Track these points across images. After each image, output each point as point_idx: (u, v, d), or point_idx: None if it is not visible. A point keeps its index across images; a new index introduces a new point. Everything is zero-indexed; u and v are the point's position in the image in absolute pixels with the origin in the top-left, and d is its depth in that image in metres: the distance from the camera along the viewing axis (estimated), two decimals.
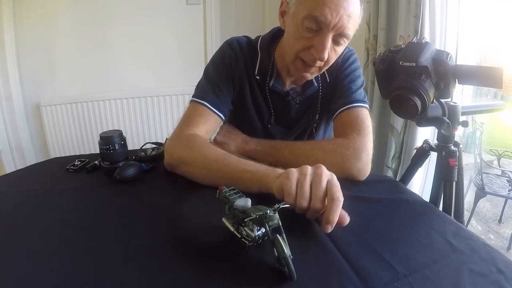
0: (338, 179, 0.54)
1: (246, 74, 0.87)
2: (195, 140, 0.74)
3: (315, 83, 0.87)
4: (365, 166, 0.72)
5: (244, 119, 0.91)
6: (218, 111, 0.82)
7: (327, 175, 0.54)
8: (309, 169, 0.55)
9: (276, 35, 0.87)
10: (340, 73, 0.87)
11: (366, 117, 0.79)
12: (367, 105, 0.83)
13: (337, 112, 0.82)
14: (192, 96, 0.85)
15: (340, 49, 0.73)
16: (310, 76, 0.79)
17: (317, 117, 0.91)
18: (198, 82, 0.88)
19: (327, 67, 0.78)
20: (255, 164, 0.65)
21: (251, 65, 0.87)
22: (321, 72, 0.80)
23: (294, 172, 0.55)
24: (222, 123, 0.88)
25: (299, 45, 0.72)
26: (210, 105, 0.81)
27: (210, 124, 0.81)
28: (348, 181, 0.73)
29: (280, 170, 0.60)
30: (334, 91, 0.87)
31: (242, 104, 0.89)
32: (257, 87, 0.88)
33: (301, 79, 0.83)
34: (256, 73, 0.86)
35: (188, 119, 0.80)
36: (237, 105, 0.89)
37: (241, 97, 0.89)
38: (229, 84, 0.86)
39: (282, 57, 0.83)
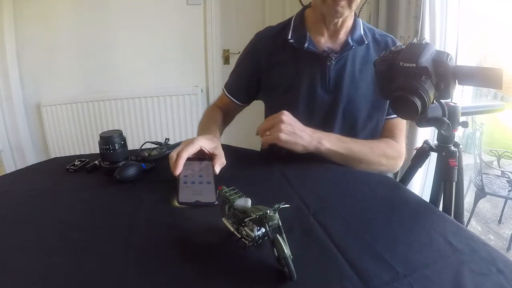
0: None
1: (282, 45, 0.92)
2: (208, 108, 1.10)
3: (351, 43, 0.87)
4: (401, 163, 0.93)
5: (293, 89, 0.91)
6: (232, 97, 1.04)
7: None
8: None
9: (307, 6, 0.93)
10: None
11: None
12: None
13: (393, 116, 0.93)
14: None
15: None
16: (342, 10, 0.80)
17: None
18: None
19: (356, 2, 0.80)
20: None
21: (285, 31, 0.92)
22: (351, 9, 0.81)
23: None
24: (238, 104, 1.04)
25: None
26: (227, 92, 1.05)
27: (227, 104, 1.06)
28: (348, 181, 0.74)
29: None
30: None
31: (283, 76, 0.93)
32: (294, 53, 0.90)
33: (334, 16, 0.83)
34: (289, 37, 0.90)
35: (218, 98, 1.12)
36: (277, 80, 0.94)
37: (279, 72, 0.93)
38: (250, 71, 0.99)
39: (313, 12, 0.90)
